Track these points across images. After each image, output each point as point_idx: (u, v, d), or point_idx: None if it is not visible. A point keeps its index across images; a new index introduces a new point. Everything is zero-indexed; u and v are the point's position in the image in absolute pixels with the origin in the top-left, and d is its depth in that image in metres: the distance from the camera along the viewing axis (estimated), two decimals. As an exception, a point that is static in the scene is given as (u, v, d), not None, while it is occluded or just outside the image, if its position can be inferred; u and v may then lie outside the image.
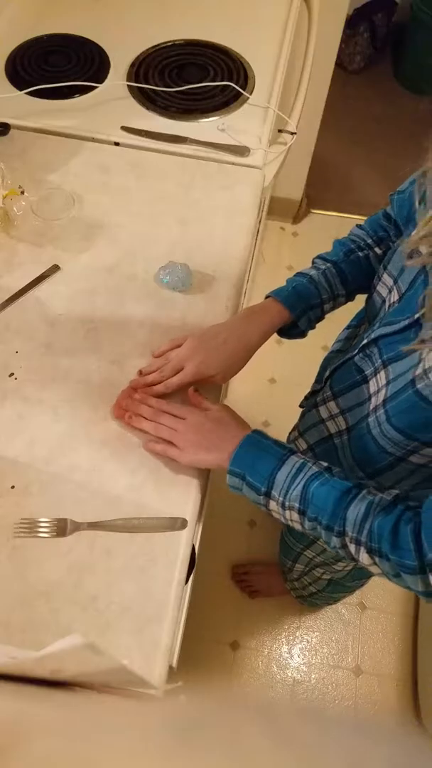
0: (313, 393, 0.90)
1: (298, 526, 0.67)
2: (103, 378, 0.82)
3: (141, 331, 0.86)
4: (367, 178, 2.34)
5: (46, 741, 0.29)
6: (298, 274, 0.83)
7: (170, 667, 0.65)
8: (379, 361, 0.69)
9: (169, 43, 1.22)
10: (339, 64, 2.31)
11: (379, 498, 0.62)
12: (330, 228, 2.18)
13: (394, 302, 0.71)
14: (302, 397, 0.97)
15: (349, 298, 0.84)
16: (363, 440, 0.73)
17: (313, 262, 0.85)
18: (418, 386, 0.60)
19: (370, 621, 1.51)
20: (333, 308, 0.84)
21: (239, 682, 1.44)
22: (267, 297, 0.82)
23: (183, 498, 0.74)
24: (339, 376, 0.79)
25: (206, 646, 1.46)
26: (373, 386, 0.71)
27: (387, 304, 0.73)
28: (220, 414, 0.74)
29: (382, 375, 0.69)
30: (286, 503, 0.65)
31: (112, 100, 1.12)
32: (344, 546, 0.63)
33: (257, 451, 0.68)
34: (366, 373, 0.73)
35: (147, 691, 0.60)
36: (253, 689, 1.42)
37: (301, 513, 0.65)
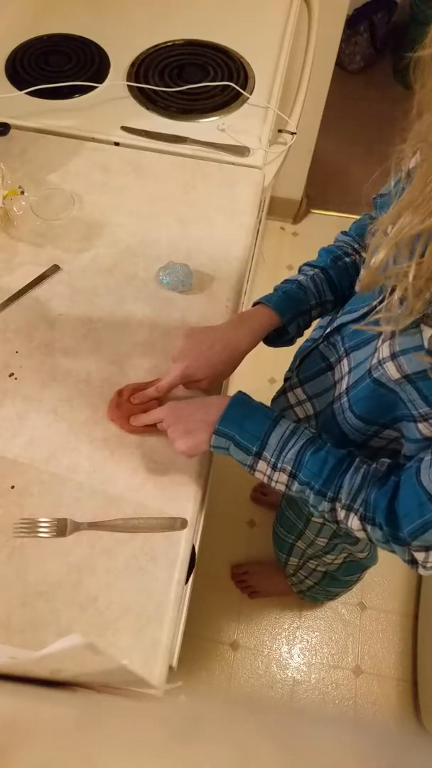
0: (286, 380, 0.91)
1: (281, 488, 0.67)
2: (103, 378, 0.82)
3: (141, 331, 0.86)
4: (367, 178, 2.33)
5: (46, 741, 0.29)
6: (286, 281, 0.82)
7: (170, 667, 0.65)
8: (342, 349, 0.71)
9: (169, 43, 1.22)
10: (339, 64, 2.31)
11: (374, 468, 0.63)
12: (330, 228, 2.17)
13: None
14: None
15: (336, 304, 0.83)
16: (328, 425, 0.75)
17: (300, 270, 0.85)
18: (374, 375, 0.62)
19: (370, 621, 1.51)
20: (319, 315, 0.84)
21: (239, 682, 1.44)
22: (255, 304, 0.81)
23: (183, 498, 0.74)
24: (306, 364, 0.81)
25: (206, 646, 1.46)
26: (337, 373, 0.73)
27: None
28: (198, 399, 0.74)
29: (344, 363, 0.71)
30: (278, 465, 0.65)
31: (112, 100, 1.12)
32: (332, 510, 0.64)
33: (247, 410, 0.68)
34: (330, 360, 0.75)
35: (147, 691, 0.60)
36: (253, 689, 1.42)
37: (292, 476, 0.65)
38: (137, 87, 1.14)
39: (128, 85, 1.14)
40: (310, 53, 1.27)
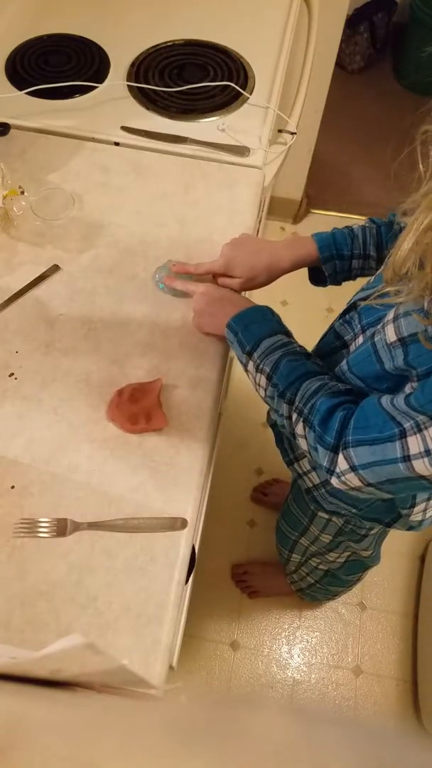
0: None
1: (262, 392, 0.73)
2: (103, 378, 0.82)
3: (141, 331, 0.86)
4: (367, 177, 2.34)
5: (46, 741, 0.29)
6: (346, 227, 0.87)
7: (170, 667, 0.65)
8: (359, 326, 0.72)
9: (169, 43, 1.22)
10: (339, 64, 2.31)
11: (335, 384, 0.68)
12: (330, 228, 2.18)
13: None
14: None
15: (380, 265, 0.86)
16: None
17: (366, 221, 0.89)
18: (375, 339, 0.64)
19: (370, 621, 1.51)
20: (362, 270, 0.86)
21: (239, 682, 1.44)
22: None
23: (183, 498, 0.74)
24: (323, 342, 0.83)
25: (206, 646, 1.46)
26: (352, 351, 0.74)
27: None
28: (233, 294, 0.82)
29: (359, 340, 0.72)
30: (260, 366, 0.72)
31: (112, 100, 1.12)
32: (289, 416, 0.70)
33: (258, 317, 0.75)
34: (346, 339, 0.76)
35: (147, 691, 0.60)
36: (253, 689, 1.42)
37: (269, 378, 0.71)
38: (137, 87, 1.14)
39: (128, 85, 1.14)
40: (310, 53, 1.27)
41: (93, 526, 0.70)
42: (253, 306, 0.77)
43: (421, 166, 0.67)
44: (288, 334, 0.75)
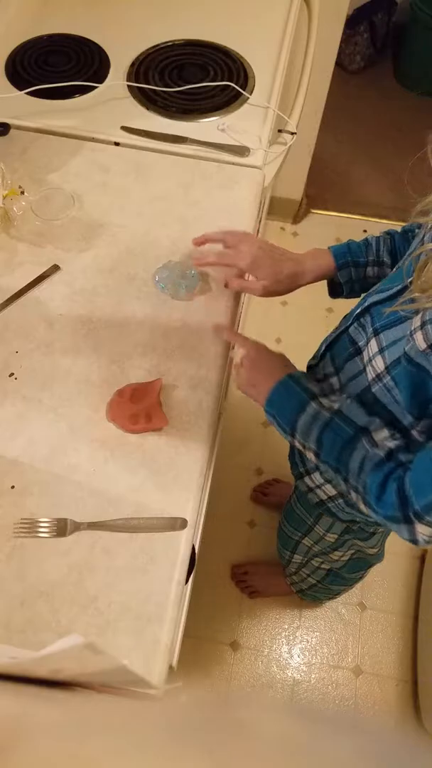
0: (309, 367, 0.92)
1: (314, 463, 0.75)
2: (103, 378, 0.82)
3: (141, 331, 0.86)
4: (367, 178, 2.34)
5: (46, 741, 0.29)
6: (363, 238, 0.89)
7: (170, 667, 0.65)
8: (371, 329, 0.71)
9: (169, 43, 1.22)
10: (339, 64, 2.31)
11: (373, 453, 0.66)
12: (330, 228, 2.18)
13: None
14: None
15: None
16: (372, 410, 0.73)
17: (381, 233, 0.90)
18: (406, 348, 0.63)
19: (370, 621, 1.51)
20: (377, 277, 0.87)
21: (239, 683, 1.44)
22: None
23: (183, 498, 0.74)
24: (336, 350, 0.81)
25: (206, 646, 1.46)
26: (365, 356, 0.72)
27: None
28: (271, 360, 0.82)
29: (373, 343, 0.70)
30: (306, 445, 0.72)
31: (112, 100, 1.12)
32: (349, 492, 0.70)
33: (286, 396, 0.75)
34: (359, 344, 0.75)
35: (147, 691, 0.60)
36: (253, 689, 1.42)
37: (317, 456, 0.71)
38: (137, 87, 1.14)
39: (128, 85, 1.14)
40: (310, 53, 1.27)
41: (93, 526, 0.70)
42: (278, 382, 0.77)
43: None
44: (314, 396, 0.74)
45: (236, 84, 1.14)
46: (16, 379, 0.81)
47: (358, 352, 0.75)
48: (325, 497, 0.92)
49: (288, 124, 1.14)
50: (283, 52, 1.21)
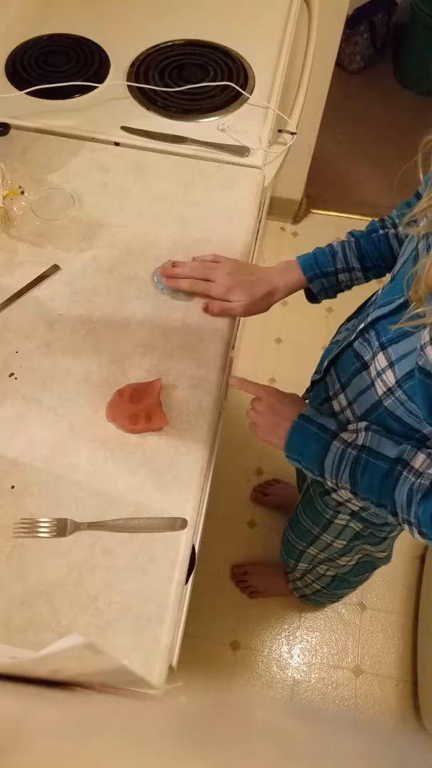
0: (313, 384, 0.91)
1: (353, 496, 0.73)
2: (103, 378, 0.82)
3: (141, 331, 0.86)
4: (367, 178, 2.34)
5: (46, 741, 0.29)
6: (328, 244, 0.89)
7: (170, 667, 0.65)
8: (377, 344, 0.70)
9: (169, 43, 1.22)
10: (339, 64, 2.31)
11: (419, 483, 0.65)
12: (330, 228, 2.18)
13: (386, 286, 0.74)
14: (305, 390, 0.97)
15: (367, 274, 0.88)
16: (389, 425, 0.72)
17: (344, 236, 0.90)
18: (419, 363, 0.61)
19: (370, 621, 1.51)
20: (351, 281, 0.88)
21: (239, 682, 1.44)
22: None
23: (183, 498, 0.74)
24: (341, 365, 0.80)
25: (206, 646, 1.46)
26: (373, 370, 0.71)
27: (379, 292, 0.76)
28: (285, 402, 0.81)
29: (381, 358, 0.69)
30: (339, 484, 0.72)
31: (112, 100, 1.12)
32: (399, 523, 0.69)
33: (304, 439, 0.74)
34: (365, 359, 0.73)
35: (147, 691, 0.60)
36: (253, 689, 1.42)
37: (354, 493, 0.71)
38: (137, 87, 1.14)
39: (128, 85, 1.14)
40: (310, 53, 1.27)
41: (93, 526, 0.70)
42: (292, 426, 0.75)
43: (421, 176, 0.67)
44: (333, 434, 0.73)
45: (236, 84, 1.14)
46: (16, 379, 0.81)
47: (365, 366, 0.74)
48: (356, 508, 0.90)
49: (288, 124, 1.14)
50: (283, 52, 1.21)
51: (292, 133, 1.13)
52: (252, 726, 0.27)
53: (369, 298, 0.85)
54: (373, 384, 0.72)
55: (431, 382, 0.60)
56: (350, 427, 0.73)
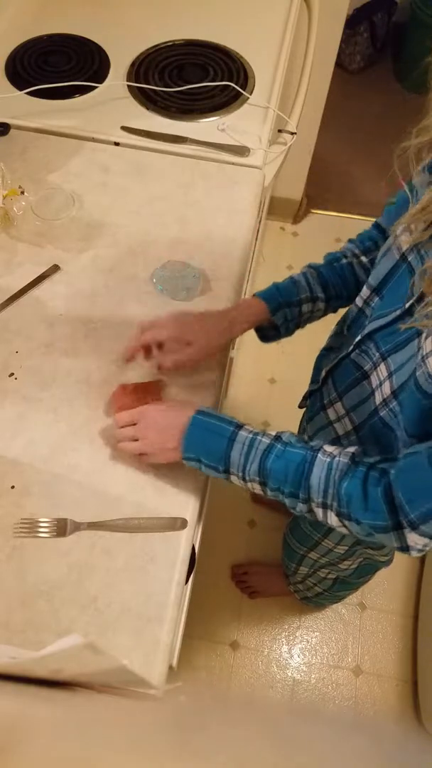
0: (311, 393, 0.90)
1: (260, 493, 0.69)
2: (103, 378, 0.82)
3: (141, 331, 0.86)
4: (367, 177, 2.34)
5: (46, 741, 0.29)
6: (288, 277, 0.86)
7: (170, 667, 0.65)
8: (377, 354, 0.70)
9: (169, 43, 1.22)
10: (339, 64, 2.31)
11: (337, 461, 0.63)
12: (330, 228, 2.18)
13: (371, 302, 0.74)
14: (302, 398, 0.96)
15: (329, 304, 0.86)
16: (376, 437, 0.72)
17: (300, 269, 0.88)
18: (417, 373, 0.60)
19: (370, 621, 1.51)
20: (312, 312, 0.85)
21: (239, 682, 1.44)
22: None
23: (183, 498, 0.74)
24: (339, 375, 0.80)
25: (206, 646, 1.46)
26: (374, 380, 0.71)
27: (363, 312, 0.76)
28: (157, 410, 0.74)
29: (382, 368, 0.69)
30: (246, 477, 0.68)
31: (112, 100, 1.12)
32: (310, 510, 0.66)
33: (205, 433, 0.69)
34: (365, 368, 0.73)
35: (147, 691, 0.60)
36: (253, 689, 1.42)
37: (263, 484, 0.67)
38: (137, 87, 1.14)
39: (128, 85, 1.14)
40: (310, 53, 1.27)
41: (93, 526, 0.70)
42: (188, 425, 0.70)
43: (404, 184, 0.67)
44: (239, 425, 0.69)
45: (236, 84, 1.14)
46: (16, 379, 0.81)
47: (365, 376, 0.73)
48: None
49: (288, 124, 1.14)
50: (283, 52, 1.21)
51: (292, 133, 1.13)
52: (251, 726, 0.27)
53: (350, 311, 0.85)
54: (373, 393, 0.72)
55: (421, 397, 0.59)
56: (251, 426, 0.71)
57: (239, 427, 0.69)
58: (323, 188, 2.26)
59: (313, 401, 0.89)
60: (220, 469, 0.68)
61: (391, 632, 1.50)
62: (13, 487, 0.73)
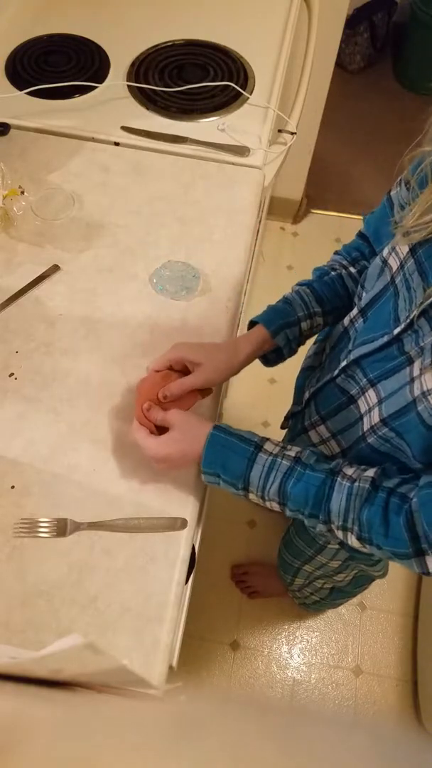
0: (293, 414, 0.89)
1: (279, 510, 0.68)
2: (103, 378, 0.82)
3: (141, 331, 0.86)
4: (366, 177, 2.34)
5: (46, 741, 0.29)
6: (282, 297, 0.84)
7: (170, 667, 0.65)
8: (365, 380, 0.69)
9: (169, 43, 1.22)
10: (339, 64, 2.31)
11: (357, 486, 0.62)
12: (330, 228, 2.18)
13: (355, 322, 0.73)
14: (284, 419, 0.96)
15: (326, 318, 0.84)
16: (369, 461, 0.70)
17: (291, 289, 0.86)
18: (419, 408, 0.60)
19: (370, 621, 1.51)
20: (311, 329, 0.84)
21: (239, 682, 1.44)
22: (250, 325, 0.83)
23: (183, 498, 0.74)
24: (323, 399, 0.79)
25: (206, 646, 1.46)
26: (363, 406, 0.71)
27: (347, 332, 0.75)
28: (179, 417, 0.71)
29: (371, 394, 0.68)
30: (266, 497, 0.67)
31: (112, 100, 1.12)
32: (330, 531, 0.65)
33: (225, 451, 0.67)
34: (352, 393, 0.72)
35: (147, 691, 0.60)
36: (253, 689, 1.42)
37: (282, 505, 0.66)
38: (137, 87, 1.14)
39: (128, 85, 1.14)
40: (310, 53, 1.27)
41: (93, 526, 0.70)
42: (206, 441, 0.67)
43: (406, 189, 0.67)
44: (258, 446, 0.67)
45: (236, 84, 1.14)
46: (16, 379, 0.81)
47: (352, 401, 0.73)
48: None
49: (288, 124, 1.14)
50: (283, 52, 1.21)
51: (292, 133, 1.13)
52: (252, 727, 0.27)
53: (334, 330, 0.84)
54: (361, 418, 0.71)
55: (427, 429, 0.59)
56: (276, 441, 0.69)
57: (258, 447, 0.67)
58: (323, 188, 2.26)
59: (294, 423, 0.89)
60: (239, 486, 0.67)
61: (391, 632, 1.50)
62: (13, 487, 0.73)
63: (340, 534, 0.64)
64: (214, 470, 0.67)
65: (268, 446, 0.67)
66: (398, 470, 0.66)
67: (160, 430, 0.72)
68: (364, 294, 0.73)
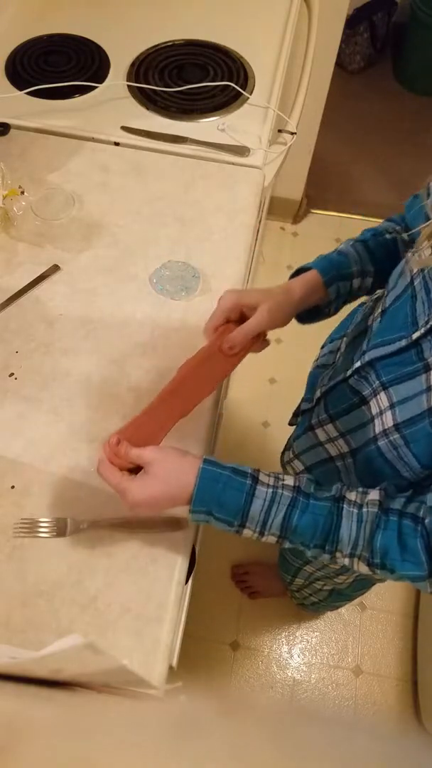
0: (304, 412, 0.88)
1: (273, 543, 0.64)
2: (103, 378, 0.82)
3: (141, 331, 0.86)
4: (366, 177, 2.34)
5: (46, 741, 0.29)
6: (334, 250, 0.80)
7: (170, 667, 0.65)
8: (377, 382, 0.67)
9: (169, 43, 1.22)
10: (339, 64, 2.31)
11: (366, 512, 0.60)
12: (330, 228, 2.18)
13: (377, 320, 0.70)
14: (293, 415, 0.96)
15: (377, 280, 0.79)
16: (373, 463, 0.69)
17: (344, 243, 0.82)
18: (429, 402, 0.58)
19: (370, 621, 1.51)
20: (360, 288, 0.79)
21: (239, 682, 1.44)
22: (294, 274, 0.78)
23: (183, 498, 0.73)
24: (333, 398, 0.77)
25: (206, 646, 1.46)
26: (374, 408, 0.68)
27: (371, 326, 0.73)
28: (155, 453, 0.64)
29: (382, 397, 0.66)
30: (266, 532, 0.62)
31: (112, 100, 1.12)
32: (334, 559, 0.63)
33: (218, 486, 0.62)
34: (364, 394, 0.70)
35: (147, 691, 0.60)
36: (253, 689, 1.42)
37: (282, 538, 0.62)
38: (137, 87, 1.14)
39: (128, 85, 1.14)
40: (310, 53, 1.27)
41: (93, 526, 0.70)
42: (198, 478, 0.61)
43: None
44: (254, 477, 0.62)
45: (236, 84, 1.14)
46: (16, 379, 0.81)
47: (364, 401, 0.70)
48: None
49: (288, 124, 1.14)
50: (283, 52, 1.21)
51: (292, 133, 1.13)
52: (251, 726, 0.27)
53: (348, 318, 0.82)
54: (372, 420, 0.69)
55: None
56: (268, 472, 0.65)
57: (255, 479, 0.62)
58: (323, 188, 2.26)
59: (302, 420, 0.87)
60: (235, 524, 0.62)
61: (391, 632, 1.50)
62: (13, 487, 0.73)
63: (346, 561, 0.62)
64: (207, 508, 0.61)
65: (263, 477, 0.63)
66: (395, 487, 0.65)
67: (132, 469, 0.64)
68: (387, 293, 0.71)
